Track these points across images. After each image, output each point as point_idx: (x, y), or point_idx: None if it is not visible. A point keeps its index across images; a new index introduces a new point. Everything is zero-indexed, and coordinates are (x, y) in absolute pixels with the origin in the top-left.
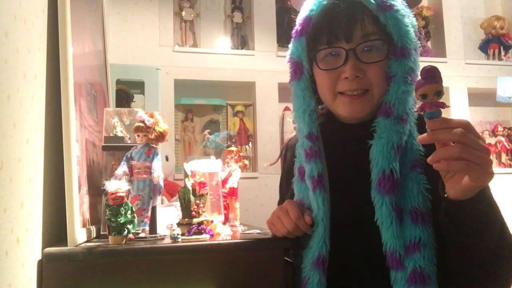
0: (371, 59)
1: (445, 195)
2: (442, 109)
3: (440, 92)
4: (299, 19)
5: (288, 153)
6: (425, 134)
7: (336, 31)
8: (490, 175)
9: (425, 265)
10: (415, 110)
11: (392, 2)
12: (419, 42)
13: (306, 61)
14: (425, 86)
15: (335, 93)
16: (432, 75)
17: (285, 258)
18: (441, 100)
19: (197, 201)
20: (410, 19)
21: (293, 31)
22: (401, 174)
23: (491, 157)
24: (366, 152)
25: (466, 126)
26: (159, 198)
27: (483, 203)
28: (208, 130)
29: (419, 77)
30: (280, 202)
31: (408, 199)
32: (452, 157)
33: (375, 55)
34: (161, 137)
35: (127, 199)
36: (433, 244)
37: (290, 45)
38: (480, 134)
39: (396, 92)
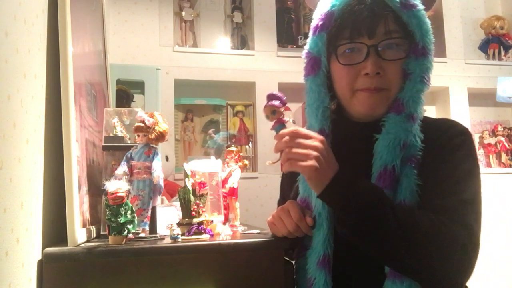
0: (392, 56)
1: None
2: (283, 124)
3: (275, 112)
4: (318, 14)
5: None
6: (275, 145)
7: (359, 26)
8: (308, 168)
9: None
10: (271, 128)
11: (415, 2)
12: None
13: (325, 56)
14: (265, 107)
15: (353, 90)
16: (271, 98)
17: (285, 258)
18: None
19: (197, 201)
20: (428, 20)
21: (313, 26)
22: None
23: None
24: (371, 150)
25: (292, 134)
26: (159, 198)
27: (334, 199)
28: (213, 130)
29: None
30: (281, 201)
31: (397, 194)
32: (285, 159)
33: (395, 53)
34: (161, 137)
35: (127, 199)
36: None
37: (309, 40)
38: (313, 134)
39: (411, 90)
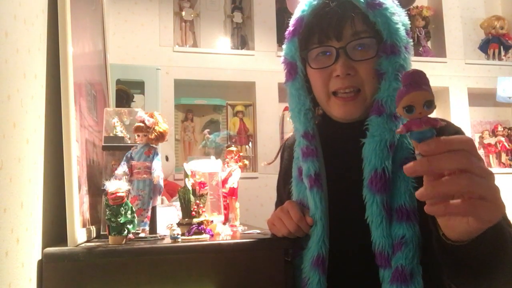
0: (362, 56)
1: (441, 233)
2: (435, 128)
3: (431, 103)
4: (292, 20)
5: (285, 153)
6: (413, 163)
7: (327, 30)
8: (501, 208)
9: (406, 264)
10: (398, 131)
11: (381, 1)
12: (411, 40)
13: (300, 61)
14: (410, 94)
15: (328, 93)
16: (418, 80)
17: (285, 258)
18: (433, 114)
19: (197, 201)
20: (400, 18)
21: (286, 32)
22: (391, 172)
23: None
24: (360, 151)
25: (469, 146)
26: (159, 198)
27: (487, 242)
28: (208, 130)
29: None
30: (278, 202)
31: (396, 198)
32: (455, 193)
33: (365, 53)
34: (161, 137)
35: (127, 199)
36: (418, 242)
37: (284, 46)
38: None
39: (388, 90)
